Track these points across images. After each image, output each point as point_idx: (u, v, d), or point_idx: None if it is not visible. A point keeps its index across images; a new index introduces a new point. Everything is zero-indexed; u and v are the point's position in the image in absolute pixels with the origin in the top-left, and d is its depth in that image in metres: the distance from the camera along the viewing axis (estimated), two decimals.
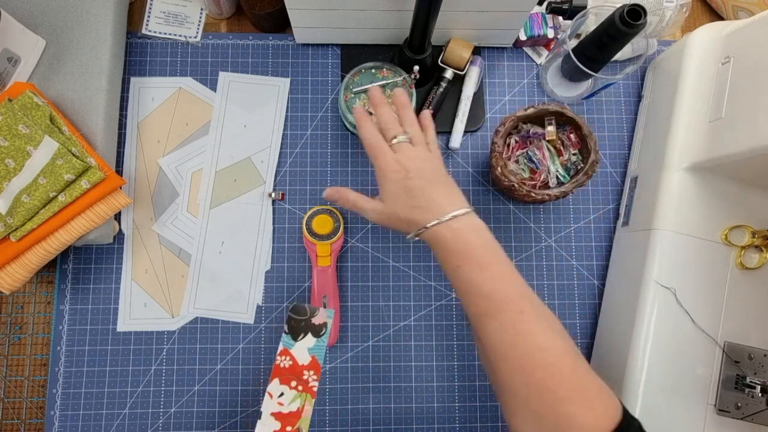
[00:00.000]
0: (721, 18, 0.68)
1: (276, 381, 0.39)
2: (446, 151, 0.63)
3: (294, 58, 0.63)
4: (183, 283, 0.58)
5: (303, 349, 0.41)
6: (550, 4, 0.59)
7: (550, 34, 0.63)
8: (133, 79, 0.61)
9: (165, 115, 0.61)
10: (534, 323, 0.39)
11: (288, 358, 0.40)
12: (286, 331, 0.41)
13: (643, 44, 0.59)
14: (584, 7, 0.57)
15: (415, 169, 0.45)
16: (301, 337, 0.41)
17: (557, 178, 0.57)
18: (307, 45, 0.64)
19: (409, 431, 0.58)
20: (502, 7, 0.55)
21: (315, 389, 0.41)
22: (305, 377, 0.41)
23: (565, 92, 0.64)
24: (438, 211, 0.44)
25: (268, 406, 0.39)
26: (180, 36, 0.62)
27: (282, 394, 0.39)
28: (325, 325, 0.42)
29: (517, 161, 0.58)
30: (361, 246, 0.60)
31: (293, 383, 0.40)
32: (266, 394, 0.39)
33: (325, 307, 0.44)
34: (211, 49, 0.63)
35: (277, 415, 0.39)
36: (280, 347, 0.41)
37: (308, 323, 0.42)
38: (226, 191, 0.60)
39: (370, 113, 0.56)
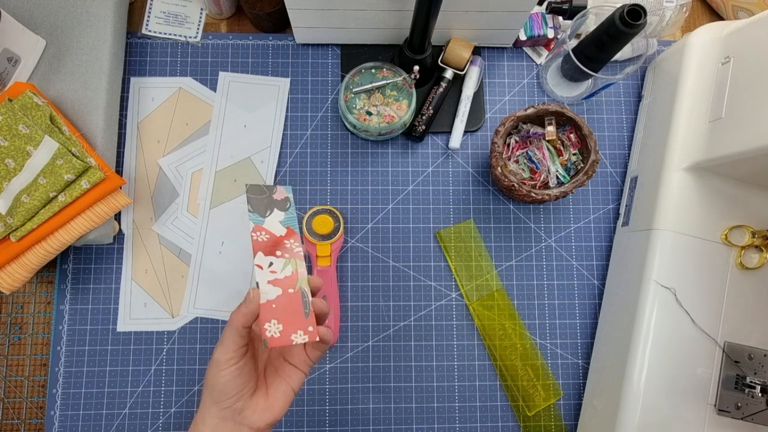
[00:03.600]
0: (721, 18, 0.68)
1: (260, 254, 0.38)
2: (446, 151, 0.63)
3: (294, 58, 0.63)
4: (183, 283, 0.58)
5: (275, 223, 0.40)
6: (550, 4, 0.59)
7: (550, 34, 0.63)
8: (133, 79, 0.61)
9: (165, 115, 0.61)
10: None
11: (263, 232, 0.39)
12: (250, 210, 0.39)
13: (643, 44, 0.59)
14: (584, 7, 0.57)
15: None
16: (268, 213, 0.40)
17: (557, 178, 0.57)
18: (307, 45, 0.64)
19: (409, 431, 0.58)
20: (502, 7, 0.55)
21: (301, 254, 0.40)
22: (288, 245, 0.39)
23: (565, 92, 0.64)
24: None
25: (261, 276, 0.37)
26: (180, 36, 0.62)
27: (271, 264, 0.38)
28: (287, 200, 0.41)
29: (517, 161, 0.58)
30: (361, 246, 0.60)
31: (278, 252, 0.39)
32: (255, 266, 0.38)
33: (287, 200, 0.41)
34: (211, 49, 0.63)
35: (275, 282, 0.38)
36: (251, 225, 0.39)
37: (270, 200, 0.40)
38: (226, 191, 0.60)
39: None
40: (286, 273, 0.39)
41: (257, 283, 0.38)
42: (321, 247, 0.57)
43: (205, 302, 0.58)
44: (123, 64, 0.60)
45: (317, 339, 0.37)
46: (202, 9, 0.63)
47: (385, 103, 0.57)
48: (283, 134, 0.61)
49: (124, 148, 0.60)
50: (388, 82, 0.57)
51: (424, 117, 0.60)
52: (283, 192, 0.41)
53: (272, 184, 0.41)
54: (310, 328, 0.38)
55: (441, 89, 0.60)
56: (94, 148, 0.54)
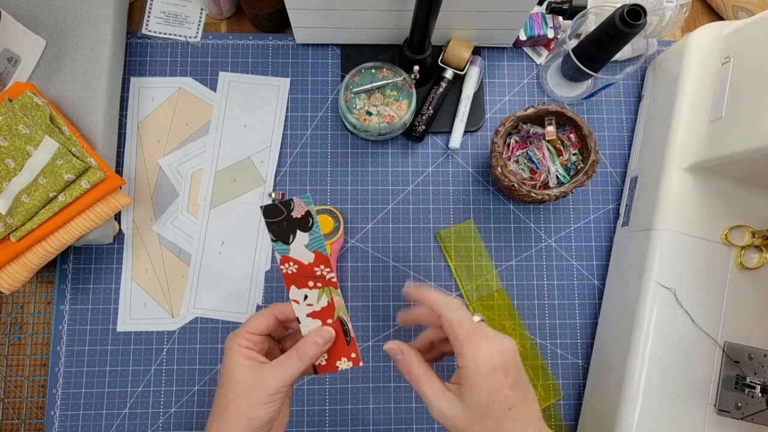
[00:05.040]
0: (721, 18, 0.68)
1: (293, 288, 0.38)
2: (446, 151, 0.63)
3: (294, 58, 0.63)
4: (183, 283, 0.58)
5: (301, 249, 0.38)
6: (550, 4, 0.59)
7: (550, 34, 0.63)
8: (133, 79, 0.61)
9: (165, 115, 0.61)
10: None
11: (291, 263, 0.38)
12: (273, 239, 0.38)
13: (643, 44, 0.59)
14: (584, 7, 0.57)
15: (514, 372, 0.35)
16: (291, 239, 0.38)
17: (557, 178, 0.57)
18: (307, 45, 0.64)
19: (409, 431, 0.58)
20: (502, 7, 0.55)
21: (335, 279, 0.39)
22: (318, 273, 0.39)
23: (565, 92, 0.64)
24: None
25: (300, 310, 0.38)
26: (180, 36, 0.62)
27: (306, 297, 0.39)
28: (308, 215, 0.38)
29: (517, 161, 0.58)
30: (361, 246, 0.60)
31: (310, 283, 0.39)
32: (291, 301, 0.38)
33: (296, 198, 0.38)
34: (211, 49, 0.63)
35: (313, 315, 0.39)
36: (278, 257, 0.38)
37: (290, 220, 0.38)
38: (226, 191, 0.60)
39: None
40: (322, 304, 0.39)
41: (297, 318, 0.39)
42: None
43: (205, 302, 0.58)
44: (123, 64, 0.60)
45: (360, 364, 0.40)
46: (202, 9, 0.63)
47: (385, 103, 0.57)
48: (283, 134, 0.61)
49: (124, 148, 0.60)
50: (388, 82, 0.57)
51: (424, 117, 0.60)
52: (301, 206, 0.38)
53: (289, 198, 0.38)
54: (353, 355, 0.40)
55: (441, 89, 0.60)
56: (94, 148, 0.54)
